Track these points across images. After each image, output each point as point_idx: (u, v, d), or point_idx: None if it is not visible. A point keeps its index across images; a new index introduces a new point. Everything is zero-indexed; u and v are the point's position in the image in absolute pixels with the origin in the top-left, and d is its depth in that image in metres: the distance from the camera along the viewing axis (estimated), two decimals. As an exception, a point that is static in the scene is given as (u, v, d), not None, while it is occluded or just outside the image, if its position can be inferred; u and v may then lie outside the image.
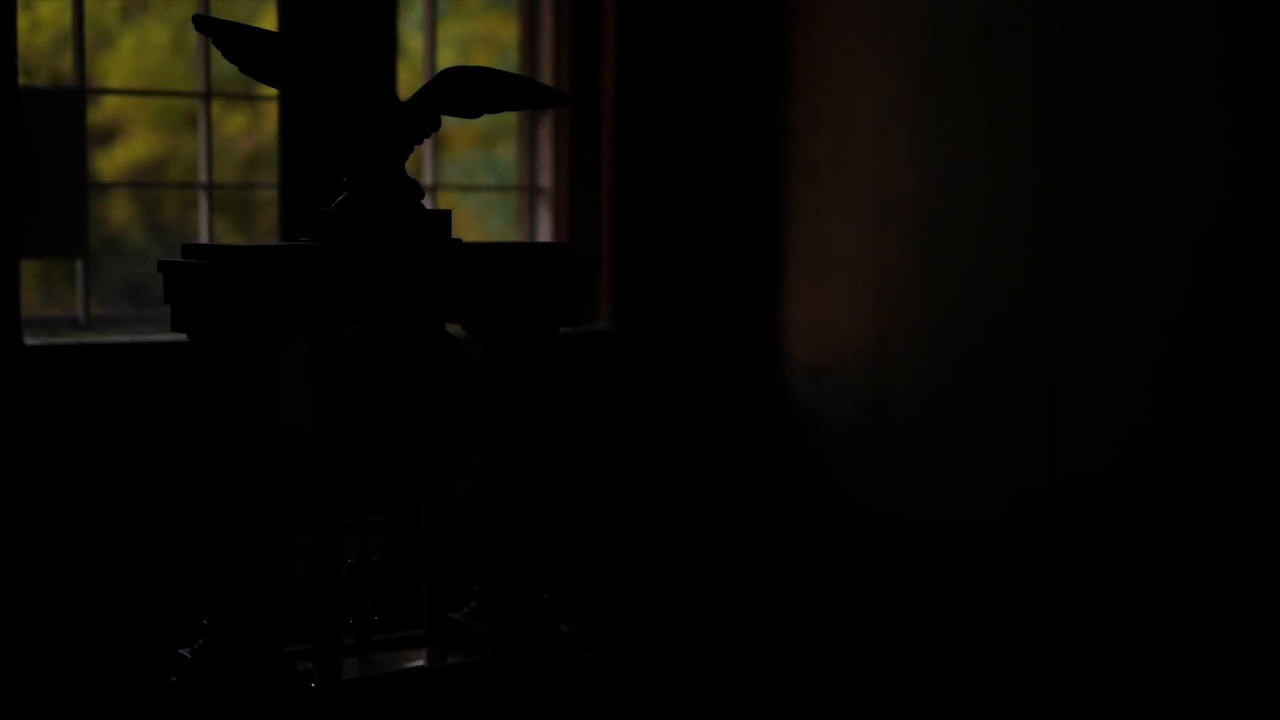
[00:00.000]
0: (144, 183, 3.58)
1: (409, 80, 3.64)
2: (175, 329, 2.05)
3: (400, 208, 2.09)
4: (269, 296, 1.93)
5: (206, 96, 3.46)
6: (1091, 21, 3.03)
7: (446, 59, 3.75)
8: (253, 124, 3.64)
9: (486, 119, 2.24)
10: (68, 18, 3.32)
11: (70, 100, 3.29)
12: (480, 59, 3.92)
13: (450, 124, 2.42)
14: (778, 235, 3.75)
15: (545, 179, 3.91)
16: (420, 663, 2.14)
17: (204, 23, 2.02)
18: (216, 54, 2.03)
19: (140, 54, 3.56)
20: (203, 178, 3.46)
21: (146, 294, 3.49)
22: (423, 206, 2.11)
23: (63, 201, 3.27)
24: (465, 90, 2.17)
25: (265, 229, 3.60)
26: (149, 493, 3.21)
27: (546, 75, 3.85)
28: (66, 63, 3.34)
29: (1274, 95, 2.72)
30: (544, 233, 3.89)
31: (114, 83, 3.53)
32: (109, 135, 3.53)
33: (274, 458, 1.96)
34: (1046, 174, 3.10)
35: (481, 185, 4.00)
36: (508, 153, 3.95)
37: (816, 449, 3.65)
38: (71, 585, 3.17)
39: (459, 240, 2.14)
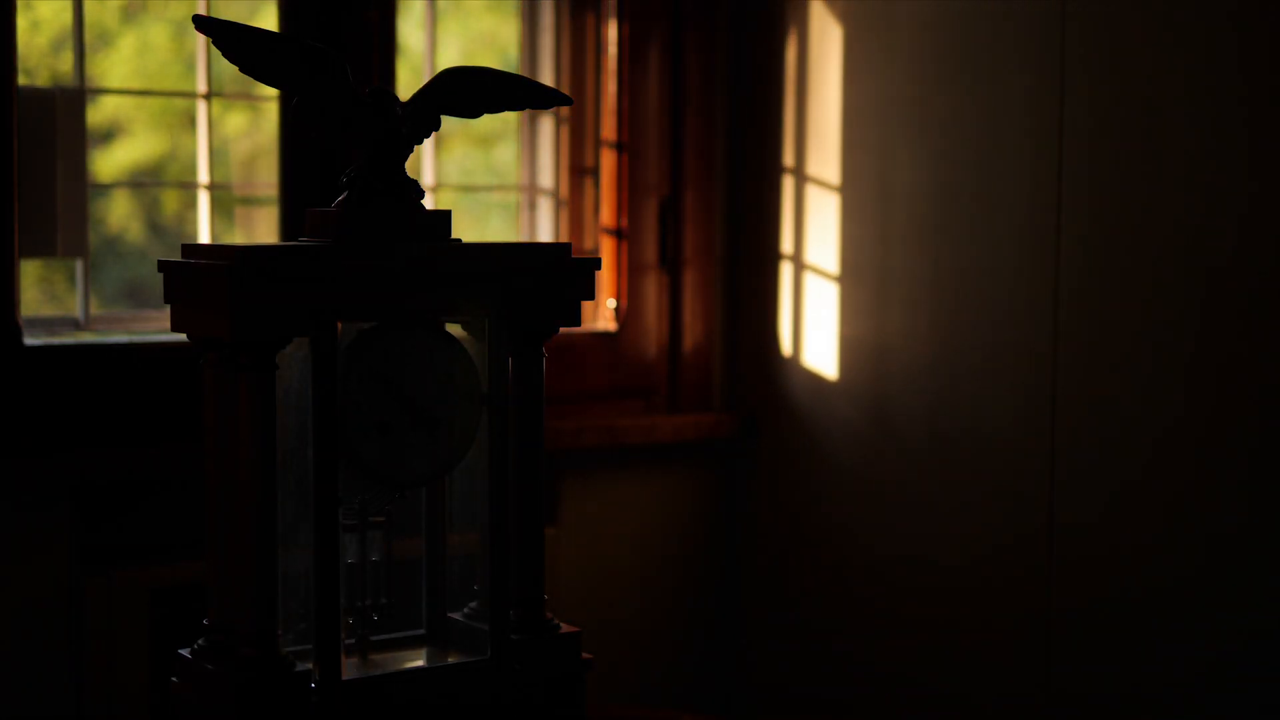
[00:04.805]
0: (144, 183, 3.59)
1: (409, 80, 3.64)
2: (175, 329, 2.05)
3: (400, 208, 2.09)
4: (269, 296, 1.93)
5: (207, 96, 3.46)
6: (1093, 18, 3.03)
7: (446, 59, 3.75)
8: (253, 124, 3.65)
9: (486, 119, 2.24)
10: (68, 18, 3.32)
11: (70, 100, 3.29)
12: (480, 59, 3.92)
13: (450, 124, 2.42)
14: (776, 235, 3.75)
15: (546, 179, 3.91)
16: (420, 663, 2.14)
17: (204, 23, 2.02)
18: (216, 54, 2.03)
19: (140, 54, 3.56)
20: (203, 178, 3.46)
21: (146, 294, 3.49)
22: (423, 207, 2.12)
23: (63, 201, 3.27)
24: (465, 90, 2.17)
25: (265, 229, 3.60)
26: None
27: (546, 75, 3.85)
28: (66, 63, 3.34)
29: None
30: (544, 233, 3.89)
31: (114, 83, 3.53)
32: (109, 135, 3.53)
33: (274, 457, 1.96)
34: (1046, 172, 3.10)
35: (481, 185, 4.00)
36: (508, 153, 3.95)
37: (816, 450, 3.65)
38: (71, 585, 3.17)
39: (459, 240, 2.14)
